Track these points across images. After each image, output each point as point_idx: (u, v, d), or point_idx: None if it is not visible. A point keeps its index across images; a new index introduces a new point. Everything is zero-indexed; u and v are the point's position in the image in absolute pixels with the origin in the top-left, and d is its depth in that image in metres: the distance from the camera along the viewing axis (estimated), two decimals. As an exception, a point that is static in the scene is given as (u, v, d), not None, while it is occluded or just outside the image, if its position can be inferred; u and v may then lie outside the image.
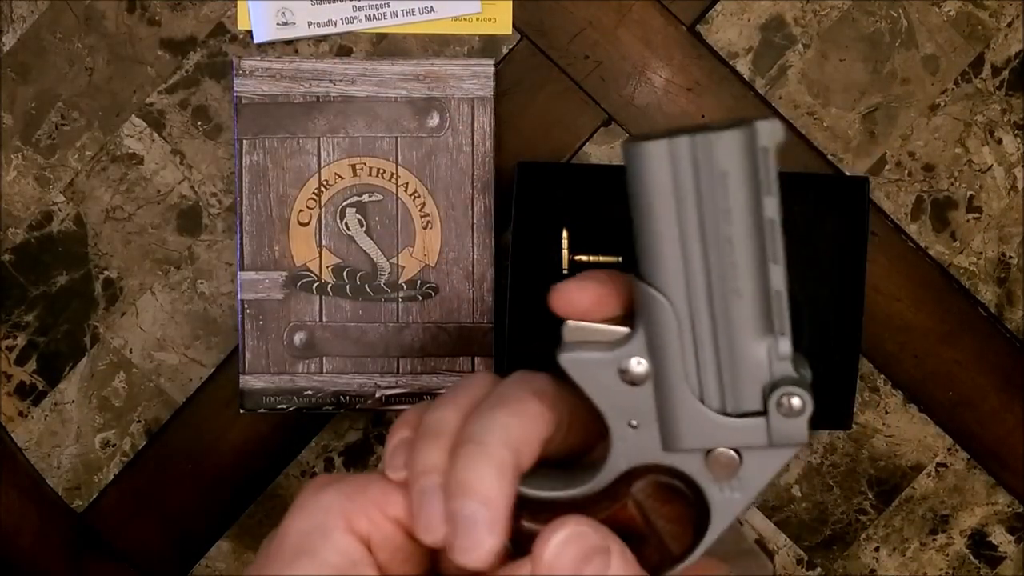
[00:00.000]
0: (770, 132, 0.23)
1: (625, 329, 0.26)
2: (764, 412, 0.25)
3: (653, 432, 0.26)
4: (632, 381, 0.26)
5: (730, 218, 0.24)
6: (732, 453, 0.26)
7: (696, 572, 0.27)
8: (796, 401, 0.25)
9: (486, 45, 0.56)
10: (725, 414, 0.26)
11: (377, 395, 0.56)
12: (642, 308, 0.25)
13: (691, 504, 0.27)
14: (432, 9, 0.56)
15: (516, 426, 0.25)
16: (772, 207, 0.24)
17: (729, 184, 0.24)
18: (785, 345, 0.25)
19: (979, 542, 0.59)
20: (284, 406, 0.56)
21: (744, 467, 0.26)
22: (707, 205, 0.24)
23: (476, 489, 0.24)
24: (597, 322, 0.26)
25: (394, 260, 0.55)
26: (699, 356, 0.25)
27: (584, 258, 0.55)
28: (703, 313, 0.25)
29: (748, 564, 0.29)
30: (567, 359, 0.26)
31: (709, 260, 0.24)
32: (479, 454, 0.25)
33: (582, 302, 0.26)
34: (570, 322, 0.26)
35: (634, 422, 0.26)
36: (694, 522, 0.27)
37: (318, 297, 0.55)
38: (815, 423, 0.58)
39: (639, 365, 0.25)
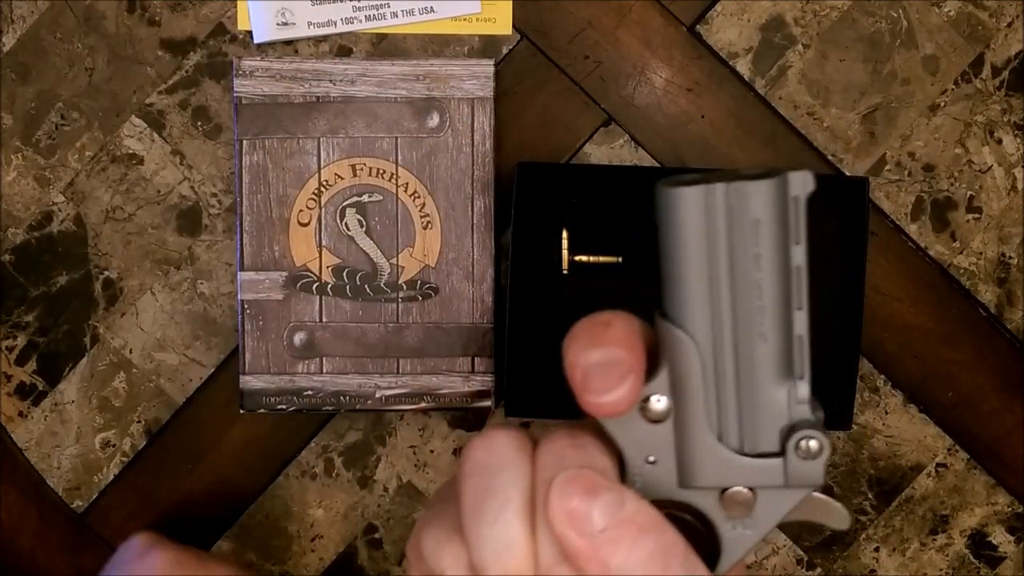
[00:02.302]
0: (802, 183, 0.24)
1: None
2: (782, 453, 0.26)
3: (670, 468, 0.27)
4: (653, 419, 0.26)
5: (760, 264, 0.25)
6: (747, 493, 0.27)
7: None
8: (814, 444, 0.26)
9: (486, 45, 0.56)
10: (743, 454, 0.26)
11: (377, 395, 0.56)
12: (667, 347, 0.26)
13: (702, 540, 0.27)
14: (432, 9, 0.56)
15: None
16: (800, 255, 0.25)
17: (760, 231, 0.24)
18: (804, 389, 0.26)
19: (979, 542, 0.59)
20: (284, 406, 0.56)
21: (758, 505, 0.27)
22: (738, 250, 0.25)
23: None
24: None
25: (394, 260, 0.55)
26: (720, 396, 0.26)
27: (584, 258, 0.55)
28: (727, 355, 0.25)
29: (825, 514, 0.30)
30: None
31: (736, 304, 0.25)
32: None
33: (622, 401, 0.25)
34: None
35: (652, 458, 0.27)
36: (704, 558, 0.27)
37: (318, 297, 0.55)
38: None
39: (659, 403, 0.26)
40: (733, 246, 0.24)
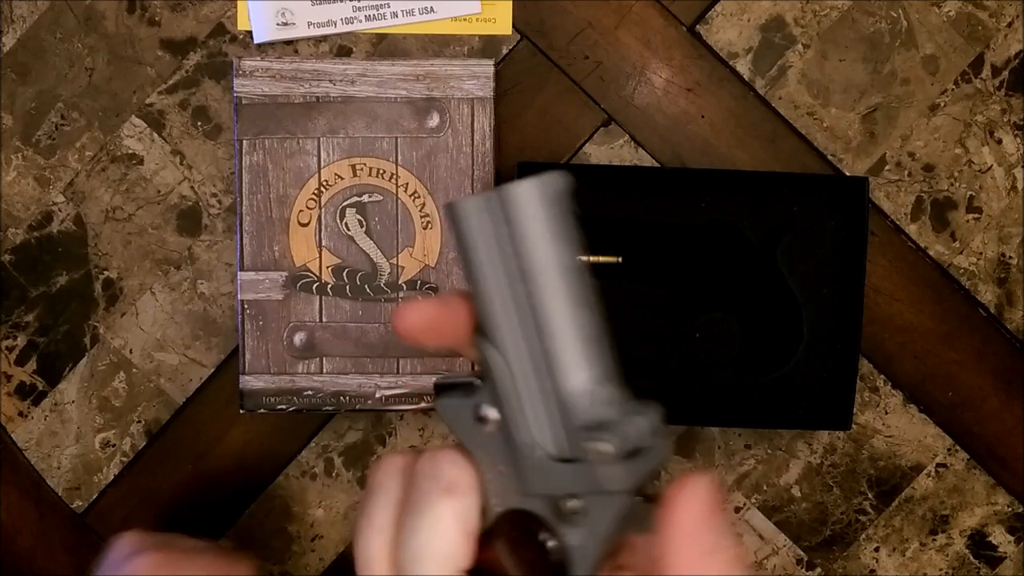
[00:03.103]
0: (557, 180, 0.25)
1: (477, 380, 0.27)
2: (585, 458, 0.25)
3: (514, 477, 0.26)
4: (488, 428, 0.26)
5: (540, 267, 0.25)
6: (575, 500, 0.26)
7: None
8: (604, 447, 0.24)
9: (486, 45, 0.56)
10: (561, 460, 0.26)
11: (377, 395, 0.56)
12: (482, 359, 0.26)
13: (553, 550, 0.27)
14: (432, 9, 0.56)
15: (440, 551, 0.26)
16: (572, 254, 0.25)
17: (535, 233, 0.25)
18: (606, 391, 0.25)
19: (979, 542, 0.59)
20: (284, 406, 0.56)
21: (591, 512, 0.26)
22: (522, 256, 0.25)
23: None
24: (435, 348, 0.27)
25: (394, 260, 0.55)
26: (532, 404, 0.26)
27: (584, 258, 0.55)
28: (528, 362, 0.25)
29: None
30: (438, 404, 0.27)
31: (528, 310, 0.25)
32: None
33: (414, 324, 0.27)
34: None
35: (501, 467, 0.26)
36: (553, 569, 0.26)
37: (318, 297, 0.55)
38: (815, 423, 0.58)
39: (491, 412, 0.26)
40: (517, 252, 0.25)
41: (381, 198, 0.55)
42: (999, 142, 0.57)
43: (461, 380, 0.27)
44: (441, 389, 0.27)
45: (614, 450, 0.24)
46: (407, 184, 0.55)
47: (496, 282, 0.25)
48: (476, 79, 0.54)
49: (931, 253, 0.57)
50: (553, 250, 0.25)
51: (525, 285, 0.25)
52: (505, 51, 0.56)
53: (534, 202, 0.25)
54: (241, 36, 0.56)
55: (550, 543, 0.26)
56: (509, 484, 0.26)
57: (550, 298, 0.25)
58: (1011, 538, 0.59)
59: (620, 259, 0.55)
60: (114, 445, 0.58)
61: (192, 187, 0.57)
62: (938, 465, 0.58)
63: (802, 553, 0.59)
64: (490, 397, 0.26)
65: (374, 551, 0.27)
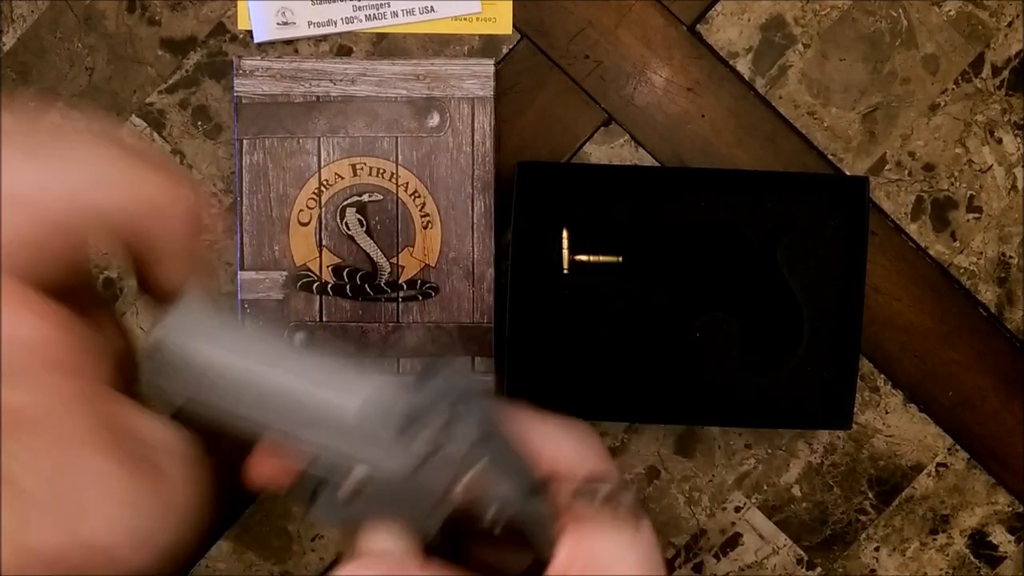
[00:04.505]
0: (182, 316, 0.26)
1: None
2: None
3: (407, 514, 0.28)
4: (361, 495, 0.28)
5: (241, 383, 0.26)
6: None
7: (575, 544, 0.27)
8: (423, 435, 0.27)
9: (486, 45, 0.56)
10: (417, 467, 0.27)
11: (377, 395, 0.56)
12: (299, 456, 0.28)
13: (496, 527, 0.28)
14: (432, 9, 0.56)
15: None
16: (245, 343, 0.27)
17: (206, 374, 0.26)
18: (359, 400, 0.27)
19: (979, 542, 0.59)
20: (284, 406, 0.56)
21: (483, 467, 0.27)
22: (218, 389, 0.27)
23: None
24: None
25: (394, 260, 0.55)
26: (353, 452, 0.27)
27: (584, 258, 0.55)
28: (315, 430, 0.27)
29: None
30: (313, 515, 0.29)
31: (272, 403, 0.27)
32: None
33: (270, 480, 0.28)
34: None
35: (395, 514, 0.28)
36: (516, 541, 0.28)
37: (318, 297, 0.55)
38: (815, 423, 0.58)
39: (348, 483, 0.28)
40: (210, 388, 0.26)
41: (381, 198, 0.55)
42: (999, 142, 0.57)
43: (303, 489, 0.28)
44: (312, 511, 0.28)
45: (439, 426, 0.27)
46: (407, 184, 0.55)
47: (237, 410, 0.26)
48: (476, 79, 0.54)
49: (931, 253, 0.57)
50: (231, 364, 0.26)
51: (247, 396, 0.26)
52: (505, 51, 0.56)
53: (181, 349, 0.25)
54: (241, 36, 0.56)
55: (489, 519, 0.27)
56: (414, 521, 0.27)
57: (272, 390, 0.26)
58: (1011, 538, 0.59)
59: (620, 259, 0.55)
60: (114, 445, 0.58)
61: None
62: (938, 465, 0.58)
63: (802, 553, 0.59)
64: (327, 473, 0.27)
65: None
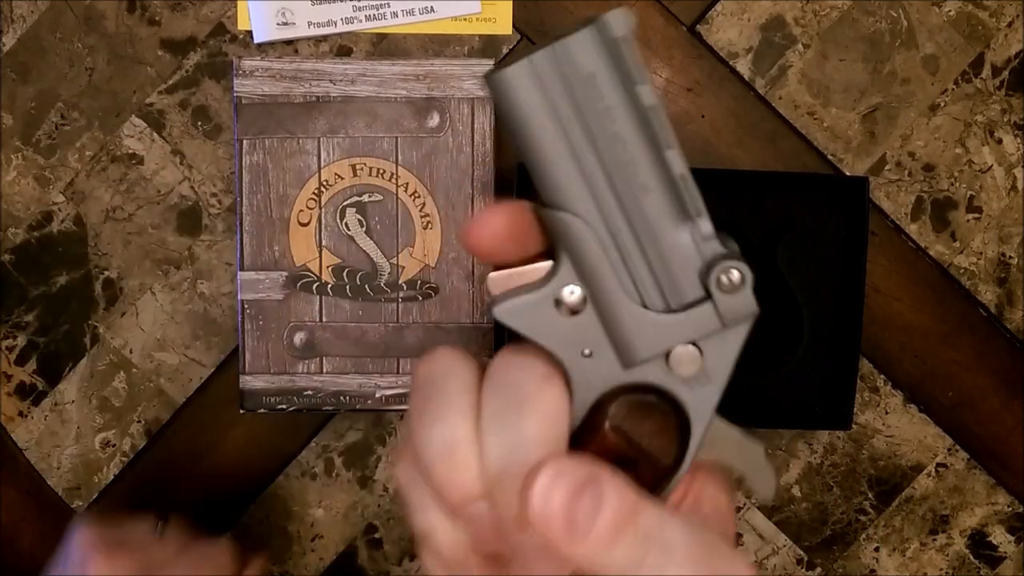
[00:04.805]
0: (620, 20, 0.23)
1: (547, 263, 0.26)
2: (708, 296, 0.25)
3: (608, 355, 0.26)
4: (572, 311, 0.25)
5: (612, 116, 0.24)
6: (691, 348, 0.26)
7: (699, 485, 0.27)
8: (735, 274, 0.25)
9: (486, 45, 0.56)
10: (671, 311, 0.25)
11: (377, 395, 0.56)
12: (559, 234, 0.25)
13: (668, 414, 0.26)
14: (432, 9, 0.56)
15: (551, 435, 0.24)
16: (648, 94, 0.24)
17: (599, 83, 0.23)
18: (706, 225, 0.25)
19: (979, 542, 0.59)
20: (284, 406, 0.56)
21: (706, 358, 0.26)
22: (586, 111, 0.24)
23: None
24: (516, 261, 0.26)
25: (394, 260, 0.55)
26: (628, 263, 0.25)
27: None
28: (618, 219, 0.25)
29: (755, 471, 0.29)
30: (502, 311, 0.26)
31: (606, 165, 0.24)
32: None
33: (493, 240, 0.25)
34: (492, 274, 0.27)
35: (587, 351, 0.26)
36: (678, 430, 0.26)
37: (318, 297, 0.55)
38: (815, 423, 0.58)
39: (572, 294, 0.25)
40: (579, 109, 0.24)
41: (381, 198, 0.55)
42: (999, 142, 0.57)
43: (528, 274, 0.26)
44: (500, 297, 0.26)
45: (741, 276, 0.25)
46: (407, 184, 0.55)
47: (560, 143, 0.24)
48: (476, 79, 0.54)
49: (931, 253, 0.57)
50: (621, 98, 0.24)
51: (594, 139, 0.24)
52: (505, 51, 0.56)
53: (592, 53, 0.23)
54: (241, 36, 0.56)
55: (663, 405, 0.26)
56: (602, 365, 0.26)
57: (625, 145, 0.24)
58: (1011, 538, 0.59)
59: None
60: (114, 445, 0.58)
61: (192, 187, 0.57)
62: (938, 465, 0.58)
63: (802, 553, 0.59)
64: (571, 275, 0.25)
65: (460, 435, 0.24)
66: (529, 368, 0.25)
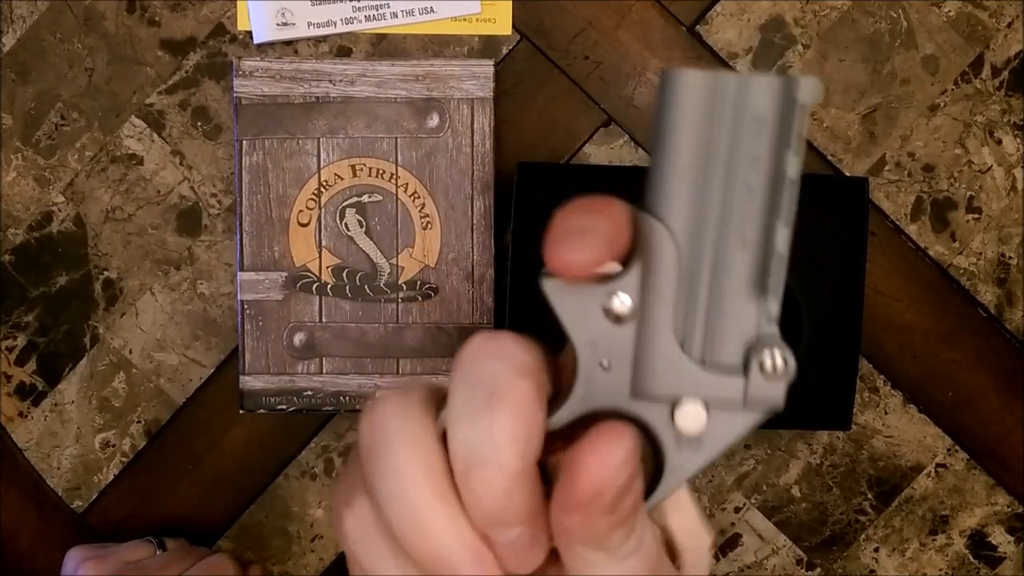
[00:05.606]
0: (810, 89, 0.23)
1: (617, 265, 0.25)
2: (745, 369, 0.25)
3: (624, 375, 0.25)
4: (616, 318, 0.25)
5: (757, 167, 0.24)
6: (700, 409, 0.25)
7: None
8: (780, 362, 0.24)
9: (486, 46, 0.56)
10: (703, 365, 0.25)
11: (377, 395, 0.56)
12: (643, 240, 0.24)
13: (645, 459, 0.25)
14: (432, 10, 0.56)
15: (523, 434, 0.23)
16: (795, 167, 0.24)
17: (762, 132, 0.24)
18: (775, 307, 0.25)
19: (979, 542, 0.59)
20: (284, 406, 0.56)
21: (710, 425, 0.25)
22: (736, 148, 0.24)
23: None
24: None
25: (394, 261, 0.55)
26: (690, 299, 0.25)
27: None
28: (705, 255, 0.24)
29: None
30: (551, 285, 0.26)
31: (724, 204, 0.24)
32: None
33: (586, 262, 0.24)
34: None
35: (605, 362, 0.25)
36: (646, 479, 0.25)
37: (318, 297, 0.55)
38: (815, 423, 0.58)
39: (624, 304, 0.25)
40: (732, 142, 0.23)
41: (381, 198, 0.55)
42: (999, 142, 0.57)
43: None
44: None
45: (786, 367, 0.24)
46: (407, 184, 0.55)
47: (696, 162, 0.24)
48: (476, 79, 0.54)
49: (931, 253, 0.57)
50: (771, 157, 0.24)
51: (728, 177, 0.24)
52: (505, 51, 0.56)
53: (771, 103, 0.23)
54: (241, 36, 0.56)
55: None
56: (612, 383, 0.25)
57: (751, 197, 0.24)
58: (1011, 538, 0.59)
59: (620, 259, 0.55)
60: (114, 445, 0.58)
61: (192, 187, 0.57)
62: (938, 465, 0.58)
63: (802, 553, 0.59)
64: (633, 283, 0.24)
65: (426, 439, 0.23)
66: (504, 359, 0.24)
